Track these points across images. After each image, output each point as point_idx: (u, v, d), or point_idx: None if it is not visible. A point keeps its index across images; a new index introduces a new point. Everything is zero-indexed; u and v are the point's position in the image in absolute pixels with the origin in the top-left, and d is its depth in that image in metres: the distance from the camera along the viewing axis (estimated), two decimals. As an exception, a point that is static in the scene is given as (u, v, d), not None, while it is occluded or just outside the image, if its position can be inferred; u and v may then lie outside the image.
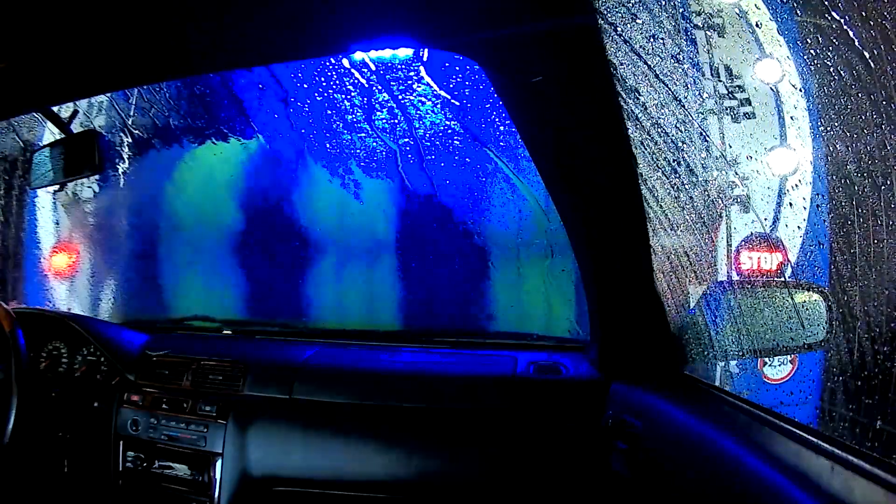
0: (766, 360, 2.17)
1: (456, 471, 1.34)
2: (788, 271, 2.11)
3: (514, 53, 0.75)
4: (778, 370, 2.21)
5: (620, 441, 1.18)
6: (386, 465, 1.34)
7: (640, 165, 0.89)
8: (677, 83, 0.97)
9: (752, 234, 2.12)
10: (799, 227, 2.07)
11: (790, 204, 2.06)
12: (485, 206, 1.95)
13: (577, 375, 1.37)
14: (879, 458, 0.62)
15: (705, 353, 1.20)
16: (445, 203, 1.99)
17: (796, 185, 2.05)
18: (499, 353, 1.54)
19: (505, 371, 1.43)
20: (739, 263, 2.10)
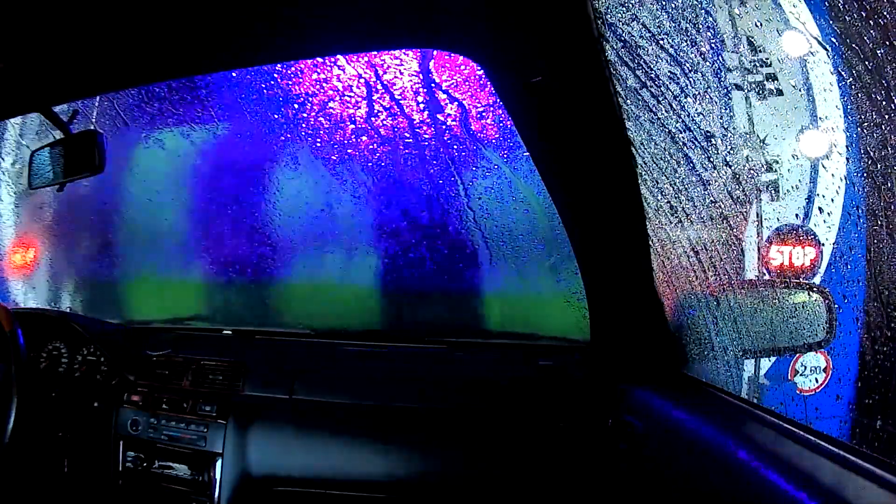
0: (798, 370, 2.08)
1: (457, 471, 1.34)
2: (818, 277, 1.99)
3: (514, 53, 0.75)
4: (810, 380, 2.11)
5: (622, 441, 1.18)
6: (386, 466, 1.34)
7: (640, 165, 0.88)
8: (679, 82, 0.97)
9: (782, 226, 2.02)
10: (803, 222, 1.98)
11: (821, 208, 1.95)
12: (486, 205, 1.95)
13: (579, 376, 1.37)
14: (879, 458, 0.62)
15: (705, 353, 1.20)
16: (447, 202, 1.99)
17: (795, 187, 2.01)
18: (499, 354, 1.54)
19: (506, 371, 1.43)
20: (769, 258, 1.99)
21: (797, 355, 2.11)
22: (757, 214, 1.96)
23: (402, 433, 1.36)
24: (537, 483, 1.29)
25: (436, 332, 1.74)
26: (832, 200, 1.91)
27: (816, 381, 2.12)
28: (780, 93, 1.91)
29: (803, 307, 1.18)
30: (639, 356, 1.22)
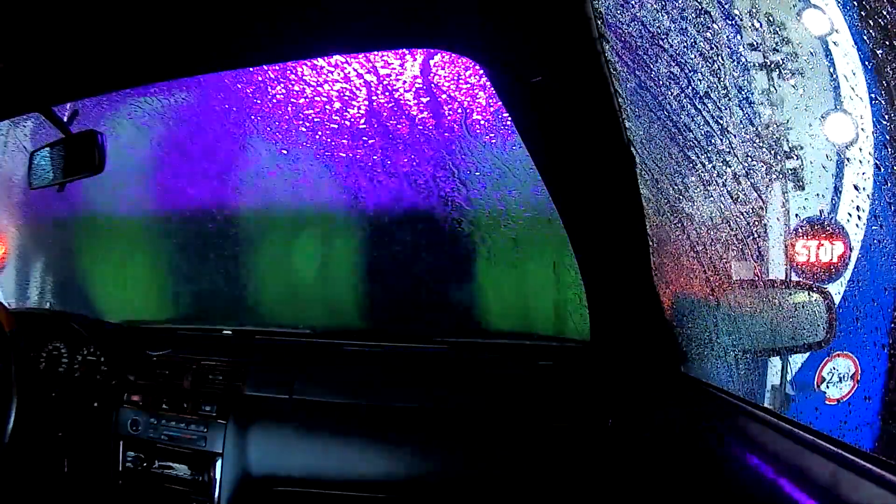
0: (825, 377, 1.96)
1: (456, 471, 1.34)
2: (847, 274, 1.85)
3: (514, 53, 0.75)
4: (838, 388, 1.97)
5: (622, 441, 1.18)
6: (386, 466, 1.35)
7: (640, 165, 0.88)
8: (680, 81, 0.97)
9: (807, 218, 1.85)
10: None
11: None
12: (486, 205, 1.95)
13: (579, 376, 1.37)
14: (879, 458, 0.62)
15: (705, 353, 1.21)
16: (446, 202, 1.99)
17: (819, 176, 1.84)
18: (499, 354, 1.54)
19: (506, 371, 1.43)
20: (794, 254, 1.83)
21: (823, 361, 1.97)
22: (783, 207, 1.81)
23: (402, 433, 1.36)
24: (537, 483, 1.29)
25: (436, 332, 1.74)
26: (861, 192, 1.74)
27: (846, 388, 1.99)
28: (799, 74, 1.78)
29: (803, 307, 1.18)
30: (639, 356, 1.22)
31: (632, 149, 0.85)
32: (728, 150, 1.12)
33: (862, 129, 1.75)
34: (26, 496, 1.46)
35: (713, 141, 1.07)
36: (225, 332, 1.70)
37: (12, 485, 1.42)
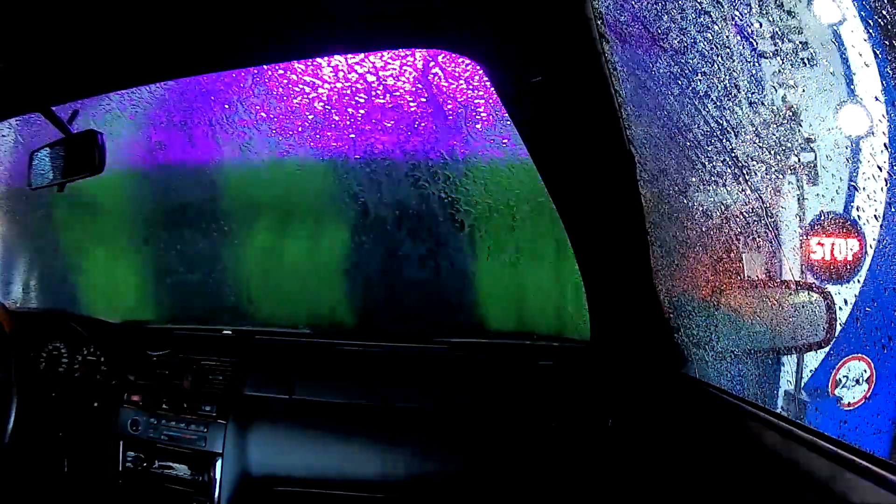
0: (839, 380, 1.92)
1: (456, 471, 1.34)
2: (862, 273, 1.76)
3: (514, 53, 0.75)
4: (853, 393, 1.93)
5: (622, 442, 1.18)
6: (386, 466, 1.35)
7: (640, 164, 0.88)
8: (680, 81, 0.97)
9: (821, 214, 1.79)
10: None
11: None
12: (487, 205, 1.95)
13: (579, 376, 1.37)
14: (879, 458, 0.62)
15: (705, 353, 1.21)
16: (447, 202, 1.99)
17: (833, 170, 1.75)
18: (499, 354, 1.54)
19: (506, 372, 1.43)
20: (810, 251, 1.76)
21: (837, 365, 1.91)
22: (796, 203, 1.74)
23: (402, 433, 1.36)
24: (537, 483, 1.29)
25: (435, 332, 1.74)
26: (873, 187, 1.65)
27: (860, 392, 1.93)
28: (811, 63, 1.70)
29: (803, 307, 1.18)
30: (639, 357, 1.22)
31: (632, 149, 0.85)
32: (728, 149, 1.11)
33: (871, 124, 1.70)
34: (26, 496, 1.46)
35: (713, 141, 1.07)
36: (225, 332, 1.70)
37: (12, 485, 1.42)
